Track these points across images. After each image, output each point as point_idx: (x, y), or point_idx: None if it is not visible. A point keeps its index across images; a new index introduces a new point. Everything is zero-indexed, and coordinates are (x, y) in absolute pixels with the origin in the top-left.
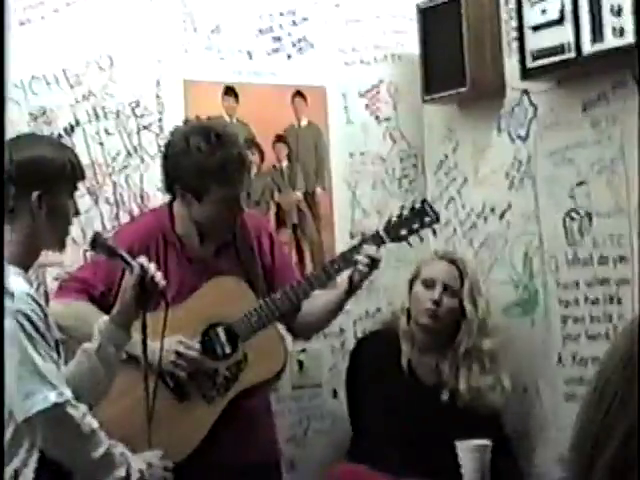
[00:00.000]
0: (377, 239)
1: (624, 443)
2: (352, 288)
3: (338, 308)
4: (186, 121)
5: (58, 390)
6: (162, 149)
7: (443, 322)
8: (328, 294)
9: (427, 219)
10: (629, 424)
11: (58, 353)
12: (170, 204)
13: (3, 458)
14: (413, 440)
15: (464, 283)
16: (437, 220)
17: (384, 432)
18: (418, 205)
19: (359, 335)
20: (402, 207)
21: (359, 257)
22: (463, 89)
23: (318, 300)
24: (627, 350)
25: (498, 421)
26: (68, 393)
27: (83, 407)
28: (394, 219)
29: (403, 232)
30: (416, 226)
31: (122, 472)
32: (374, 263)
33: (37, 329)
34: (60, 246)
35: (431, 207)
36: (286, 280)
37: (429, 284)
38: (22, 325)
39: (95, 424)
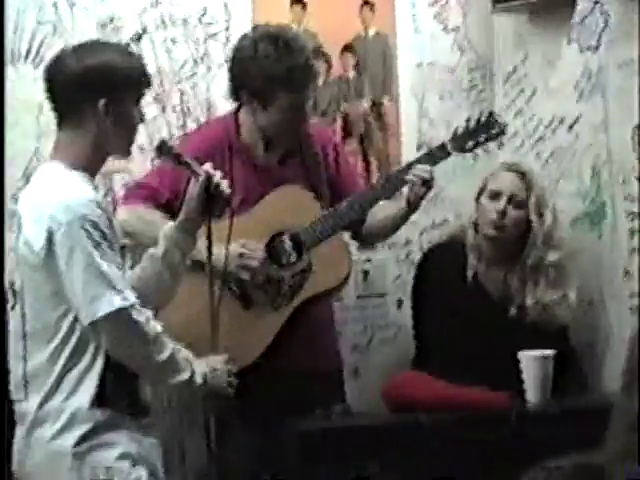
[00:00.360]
0: (443, 150)
1: None
2: (410, 206)
3: (401, 221)
4: (255, 27)
5: (123, 294)
6: (229, 56)
7: (509, 233)
8: (391, 207)
9: (493, 131)
10: None
11: (123, 258)
12: (236, 112)
13: (4, 456)
14: (478, 352)
15: (530, 195)
16: (504, 132)
17: (449, 343)
18: (484, 117)
19: (425, 246)
20: (468, 119)
21: (410, 177)
22: None
23: (382, 211)
24: None
25: (565, 334)
26: (133, 298)
27: (148, 311)
28: (460, 130)
29: (469, 144)
30: (482, 138)
31: (186, 375)
32: (426, 183)
33: (102, 234)
34: (126, 152)
35: (497, 119)
36: (351, 190)
37: (495, 196)
38: (87, 231)
39: (159, 328)
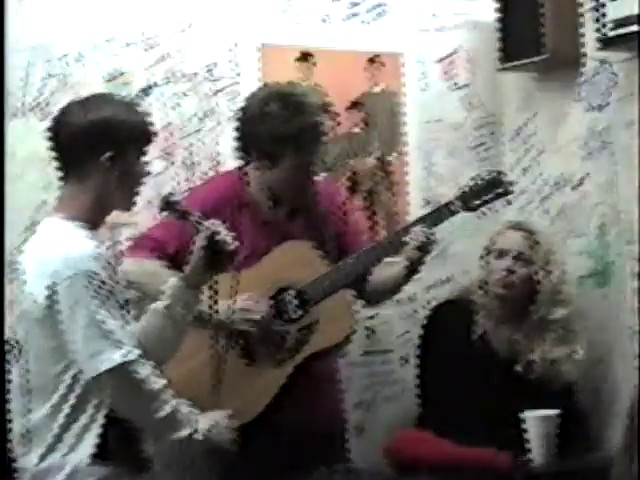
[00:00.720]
0: (449, 208)
1: None
2: (409, 267)
3: (403, 281)
4: (264, 85)
5: (126, 349)
6: (237, 112)
7: (517, 291)
8: (393, 267)
9: (501, 190)
10: None
11: (126, 312)
12: (243, 167)
13: (5, 453)
14: (483, 411)
15: (537, 252)
16: (510, 192)
17: (454, 402)
18: (491, 175)
19: (431, 303)
20: (475, 177)
21: (407, 240)
22: (541, 57)
23: (385, 270)
24: None
25: (570, 392)
26: (136, 352)
27: (150, 366)
28: (467, 189)
29: (476, 202)
30: (490, 196)
31: (187, 431)
32: (422, 247)
33: (104, 288)
34: (129, 206)
35: (504, 178)
36: (357, 246)
37: (501, 254)
38: (90, 284)
39: (161, 383)
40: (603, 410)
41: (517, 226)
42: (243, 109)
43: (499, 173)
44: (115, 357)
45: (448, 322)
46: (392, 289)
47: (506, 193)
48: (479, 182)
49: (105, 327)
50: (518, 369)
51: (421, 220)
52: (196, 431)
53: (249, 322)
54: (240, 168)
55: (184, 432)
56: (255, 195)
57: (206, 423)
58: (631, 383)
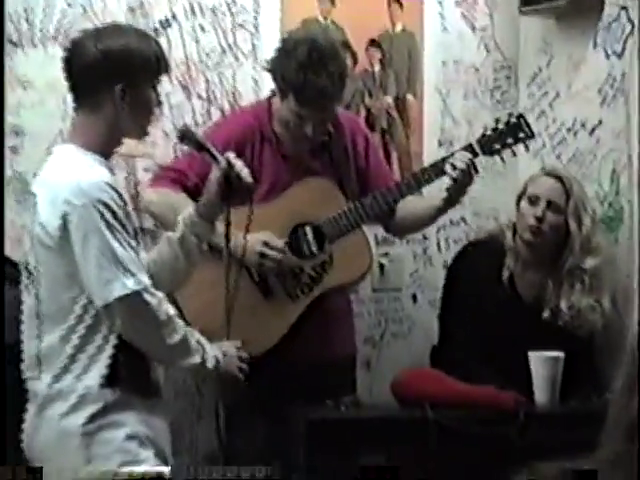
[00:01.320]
0: (470, 151)
1: None
2: (451, 199)
3: (436, 216)
4: (301, 29)
5: (136, 277)
6: (257, 47)
7: (546, 238)
8: (429, 200)
9: (522, 134)
10: None
11: (137, 241)
12: (270, 98)
13: (4, 454)
14: (503, 353)
15: (569, 200)
16: (532, 136)
17: (474, 341)
18: (514, 119)
19: (441, 243)
20: (497, 120)
21: (451, 166)
22: (561, 2)
23: (418, 204)
24: None
25: (591, 339)
26: (146, 280)
27: (160, 294)
28: (488, 132)
29: (496, 146)
30: (510, 141)
31: (197, 359)
32: (467, 172)
33: (116, 217)
34: (142, 135)
35: (527, 122)
36: (380, 183)
37: (533, 200)
38: (102, 213)
39: (172, 311)
40: (609, 351)
41: (552, 172)
42: (280, 42)
43: (520, 117)
44: (127, 284)
45: (476, 262)
46: (426, 223)
47: (527, 137)
48: (500, 126)
49: (117, 255)
50: (545, 315)
51: (441, 162)
52: (206, 359)
53: (262, 265)
54: (267, 99)
55: (194, 360)
56: (279, 129)
57: (216, 352)
58: (632, 330)
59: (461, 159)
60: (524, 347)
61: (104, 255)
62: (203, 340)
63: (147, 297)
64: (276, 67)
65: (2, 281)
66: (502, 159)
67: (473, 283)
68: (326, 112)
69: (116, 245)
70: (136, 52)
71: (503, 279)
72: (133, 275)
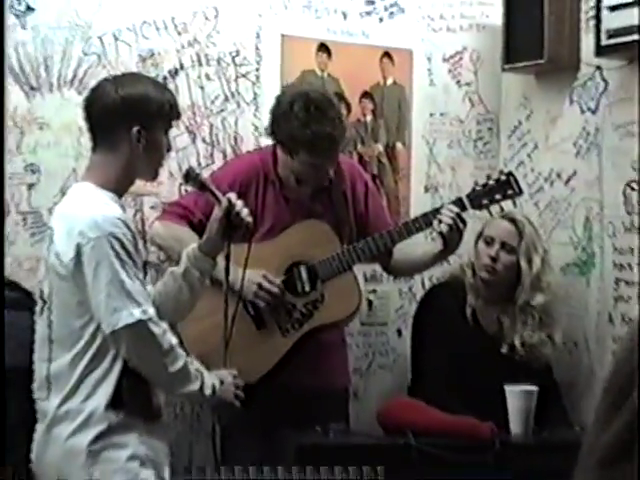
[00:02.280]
0: (459, 205)
1: None
2: (446, 250)
3: (433, 263)
4: (296, 85)
5: (143, 307)
6: (258, 95)
7: (500, 277)
8: (426, 248)
9: (510, 191)
10: None
11: (145, 274)
12: (275, 145)
13: (4, 455)
14: (470, 383)
15: (521, 242)
16: (520, 193)
17: (445, 374)
18: (503, 177)
19: (426, 281)
20: (488, 177)
21: (438, 221)
22: (541, 61)
23: (415, 250)
24: None
25: (549, 371)
26: (151, 311)
27: (164, 324)
28: (478, 188)
29: (485, 201)
30: (498, 197)
31: (196, 386)
32: (454, 226)
33: (126, 250)
34: (153, 176)
35: (516, 180)
36: (379, 227)
37: (489, 242)
38: (113, 247)
39: (174, 341)
40: (579, 389)
41: (504, 216)
42: (276, 98)
43: (509, 175)
44: (134, 313)
45: (442, 301)
46: (420, 267)
47: (514, 195)
48: (490, 182)
49: (126, 286)
50: (503, 350)
51: (431, 213)
52: (204, 386)
53: (259, 297)
54: (272, 146)
55: (193, 387)
56: (283, 173)
57: (214, 380)
58: (606, 365)
59: (448, 214)
60: (491, 379)
61: (113, 285)
62: (202, 368)
63: (152, 326)
64: (280, 130)
65: (2, 299)
66: (490, 213)
67: (440, 321)
68: (334, 156)
69: (125, 276)
70: (152, 99)
71: (467, 315)
72: (140, 305)
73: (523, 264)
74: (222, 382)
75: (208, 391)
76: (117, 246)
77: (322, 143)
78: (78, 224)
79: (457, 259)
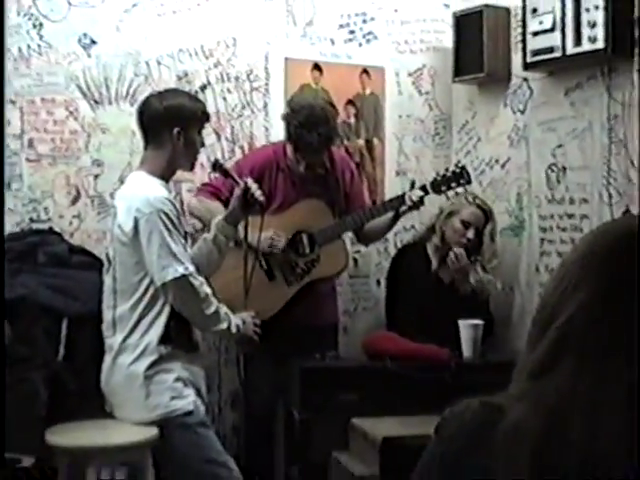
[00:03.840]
0: (423, 190)
1: (570, 318)
2: (397, 217)
3: (388, 228)
4: (303, 95)
5: (185, 265)
6: (268, 104)
7: (466, 248)
8: (383, 218)
9: (462, 180)
10: (577, 305)
11: (186, 240)
12: (285, 141)
13: (3, 455)
14: (431, 319)
15: (487, 225)
16: (469, 182)
17: (412, 313)
18: (458, 169)
19: (398, 244)
20: (446, 169)
21: (409, 198)
22: (481, 74)
23: (377, 221)
24: (583, 250)
25: (488, 309)
26: (192, 268)
27: (201, 278)
28: (438, 178)
29: (443, 187)
30: (453, 184)
31: (225, 325)
32: (417, 204)
33: (172, 222)
34: (190, 167)
35: (467, 172)
36: (357, 205)
37: (466, 225)
38: (162, 219)
39: (209, 290)
40: (514, 322)
41: (480, 206)
42: (288, 102)
43: (463, 168)
44: (178, 270)
45: (409, 258)
46: (379, 235)
47: (465, 183)
48: (447, 173)
49: (171, 249)
50: (456, 286)
51: (402, 196)
52: (230, 325)
53: (272, 247)
54: (284, 141)
55: (222, 326)
56: (291, 161)
57: (238, 320)
58: (534, 305)
59: (414, 196)
60: (446, 315)
61: (162, 249)
62: (229, 312)
63: (192, 280)
64: (285, 121)
65: (2, 299)
66: (447, 196)
67: (407, 273)
68: (313, 159)
69: (171, 242)
70: (188, 107)
71: (431, 269)
72: (183, 264)
73: (486, 240)
74: (244, 322)
75: (234, 329)
76: (165, 219)
77: (302, 145)
78: (135, 202)
79: (418, 226)
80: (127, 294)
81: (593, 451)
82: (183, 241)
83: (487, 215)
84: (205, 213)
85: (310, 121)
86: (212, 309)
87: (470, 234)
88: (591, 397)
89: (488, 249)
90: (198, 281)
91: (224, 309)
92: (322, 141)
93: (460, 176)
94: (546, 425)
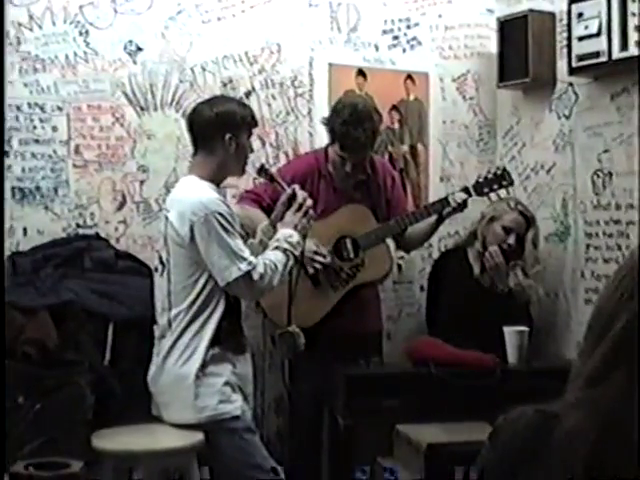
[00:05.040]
0: (466, 192)
1: (627, 326)
2: (440, 221)
3: (431, 234)
4: (347, 96)
5: (247, 260)
6: (312, 110)
7: (507, 254)
8: (426, 223)
9: (505, 182)
10: (632, 312)
11: (242, 236)
12: (327, 147)
13: (4, 455)
14: (474, 325)
15: (529, 231)
16: (512, 184)
17: (455, 318)
18: (500, 171)
19: (442, 249)
20: (488, 171)
21: (453, 200)
22: (527, 79)
23: (418, 226)
24: (639, 257)
25: (529, 314)
26: (252, 259)
27: (259, 269)
28: (480, 180)
29: (486, 190)
30: (496, 186)
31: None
32: (461, 206)
33: (227, 221)
34: (241, 172)
35: (509, 174)
36: (399, 211)
37: (507, 231)
38: (217, 220)
39: (261, 269)
40: (559, 329)
41: (522, 212)
42: (334, 104)
43: (504, 170)
44: (240, 268)
45: (449, 264)
46: (421, 241)
47: (508, 185)
48: (489, 175)
49: (231, 248)
50: (497, 290)
51: (445, 199)
52: (288, 264)
53: (315, 263)
54: (325, 148)
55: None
56: (332, 168)
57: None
58: (580, 311)
59: (457, 198)
60: (489, 321)
61: (223, 248)
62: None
63: (253, 275)
64: (328, 122)
65: (2, 298)
66: (489, 198)
67: (448, 279)
68: (360, 156)
69: (229, 240)
70: (238, 114)
71: (473, 274)
72: (244, 260)
73: (528, 247)
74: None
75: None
76: (221, 219)
77: (349, 142)
78: (189, 206)
79: (462, 231)
80: (182, 295)
81: None
82: (239, 236)
83: (529, 221)
84: (247, 220)
85: (354, 117)
86: (277, 278)
87: (511, 240)
88: None
89: (530, 255)
90: (257, 273)
91: (271, 260)
92: (368, 136)
93: (502, 178)
94: (603, 433)
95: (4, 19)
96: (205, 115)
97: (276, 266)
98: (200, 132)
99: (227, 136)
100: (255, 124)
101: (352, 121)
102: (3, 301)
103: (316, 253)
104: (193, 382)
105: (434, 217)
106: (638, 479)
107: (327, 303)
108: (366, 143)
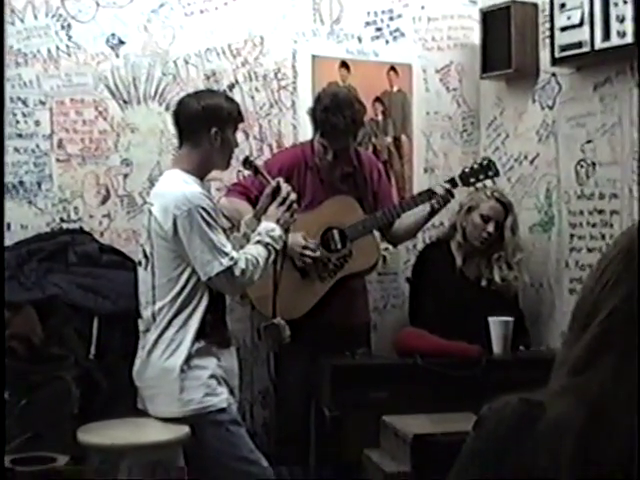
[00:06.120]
0: (452, 183)
1: (612, 313)
2: (433, 213)
3: (421, 226)
4: (330, 86)
5: (229, 256)
6: (295, 103)
7: (487, 244)
8: (415, 215)
9: (490, 173)
10: (618, 300)
11: (225, 231)
12: (312, 140)
13: (3, 457)
14: (459, 316)
15: (507, 218)
16: (497, 174)
17: (441, 309)
18: (485, 162)
19: (427, 240)
20: (474, 162)
21: (440, 191)
22: (509, 70)
23: (407, 219)
24: (624, 244)
25: (517, 304)
26: (234, 254)
27: (236, 255)
28: (466, 170)
29: (472, 180)
30: (482, 177)
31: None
32: (449, 197)
33: (210, 216)
34: (226, 167)
35: (494, 165)
36: (385, 202)
37: (486, 219)
38: (200, 214)
39: (243, 265)
40: (544, 319)
41: (499, 199)
42: (315, 99)
43: (490, 161)
44: (222, 263)
45: (432, 256)
46: (413, 231)
47: (493, 176)
48: (475, 166)
49: (214, 243)
50: (483, 284)
51: (432, 189)
52: (269, 258)
53: (303, 256)
54: (311, 140)
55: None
56: (318, 161)
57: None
58: (564, 300)
59: (442, 189)
60: (474, 312)
61: (205, 243)
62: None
63: (234, 270)
64: (311, 111)
65: (2, 297)
66: (476, 188)
67: (432, 271)
68: (340, 143)
69: (212, 235)
70: (225, 107)
71: (456, 266)
72: (226, 255)
73: (508, 234)
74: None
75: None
76: (203, 213)
77: (329, 129)
78: (172, 200)
79: (447, 222)
80: (166, 289)
81: (635, 447)
82: (222, 231)
83: (507, 208)
84: (234, 213)
85: (334, 104)
86: (249, 275)
87: (490, 228)
88: (634, 392)
89: (510, 242)
90: (238, 269)
91: (252, 254)
92: (348, 124)
93: (488, 168)
94: (588, 421)
95: (4, 19)
96: (192, 108)
97: (258, 261)
98: (186, 125)
99: (213, 130)
100: (241, 119)
101: (332, 107)
102: (3, 301)
103: (305, 247)
104: (178, 375)
105: (422, 210)
106: (623, 465)
107: (315, 295)
108: (346, 130)
